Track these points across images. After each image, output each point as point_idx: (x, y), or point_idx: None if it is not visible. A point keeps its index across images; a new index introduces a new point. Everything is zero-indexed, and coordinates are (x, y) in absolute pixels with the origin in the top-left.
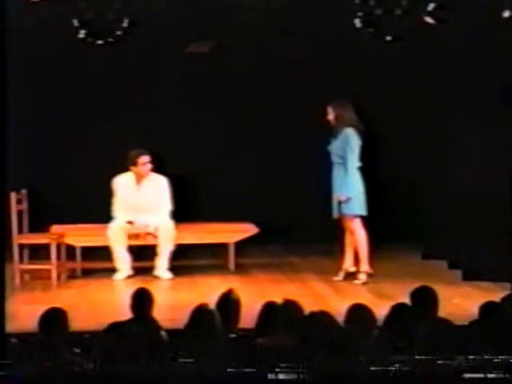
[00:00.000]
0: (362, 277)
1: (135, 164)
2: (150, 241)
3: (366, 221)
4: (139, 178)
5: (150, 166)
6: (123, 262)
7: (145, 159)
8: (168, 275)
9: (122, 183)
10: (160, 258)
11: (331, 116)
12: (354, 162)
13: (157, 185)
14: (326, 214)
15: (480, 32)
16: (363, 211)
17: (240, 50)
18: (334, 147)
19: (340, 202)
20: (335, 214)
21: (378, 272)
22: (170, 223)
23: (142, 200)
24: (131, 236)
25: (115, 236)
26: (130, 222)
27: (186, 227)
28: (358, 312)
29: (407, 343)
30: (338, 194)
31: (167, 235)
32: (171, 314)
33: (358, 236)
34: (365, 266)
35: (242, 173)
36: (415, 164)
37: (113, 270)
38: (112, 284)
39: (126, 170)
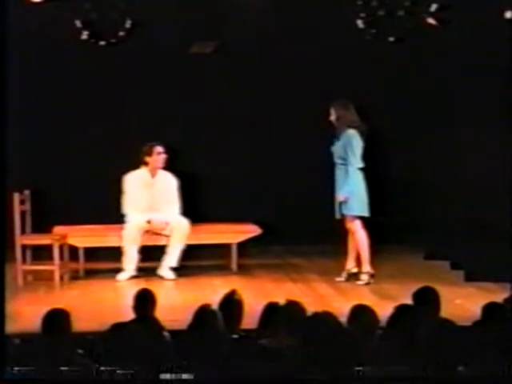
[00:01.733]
0: (365, 277)
1: (150, 154)
2: (161, 241)
3: (369, 222)
4: (153, 172)
5: (164, 156)
6: (131, 262)
7: (159, 149)
8: (171, 275)
9: (135, 179)
10: (169, 257)
11: (333, 117)
12: (355, 162)
13: (168, 180)
14: (328, 214)
15: (480, 32)
16: (364, 212)
17: (243, 51)
18: (336, 148)
19: (341, 203)
20: (337, 215)
21: (381, 273)
22: (185, 221)
23: (157, 196)
24: (145, 236)
25: (131, 236)
26: (148, 222)
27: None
28: (361, 313)
29: (409, 344)
30: (339, 194)
31: (182, 233)
32: (174, 314)
33: (358, 237)
34: (367, 267)
35: (244, 173)
36: (417, 165)
37: (116, 271)
38: (115, 285)
39: (129, 170)
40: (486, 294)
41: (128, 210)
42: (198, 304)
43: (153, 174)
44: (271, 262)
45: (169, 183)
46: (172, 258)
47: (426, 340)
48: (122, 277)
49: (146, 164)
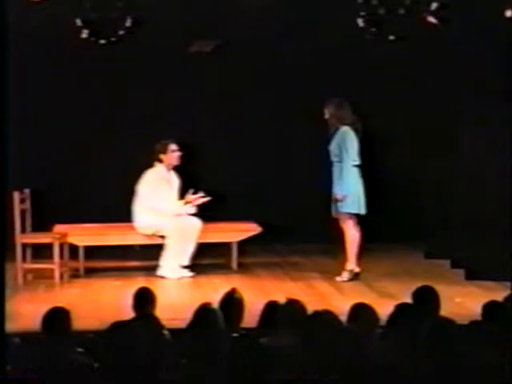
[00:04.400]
0: (346, 275)
1: (165, 152)
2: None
3: (369, 220)
4: (168, 169)
5: (179, 153)
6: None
7: (173, 147)
8: (187, 273)
9: (159, 175)
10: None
11: (327, 116)
12: (349, 160)
13: (177, 179)
14: (328, 213)
15: (481, 31)
16: (359, 210)
17: (241, 50)
18: (332, 147)
19: (336, 201)
20: (333, 213)
21: (381, 271)
22: (197, 220)
23: (173, 192)
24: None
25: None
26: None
27: None
28: (361, 311)
29: (410, 343)
30: (334, 192)
31: (194, 232)
32: (174, 313)
33: (349, 235)
34: (351, 265)
35: (244, 172)
36: (417, 163)
37: (116, 270)
38: (115, 283)
39: (128, 168)
40: (487, 292)
41: (170, 204)
42: (198, 303)
43: (168, 171)
44: (271, 260)
45: (177, 181)
46: (184, 257)
47: (426, 339)
48: (176, 275)
49: (161, 161)
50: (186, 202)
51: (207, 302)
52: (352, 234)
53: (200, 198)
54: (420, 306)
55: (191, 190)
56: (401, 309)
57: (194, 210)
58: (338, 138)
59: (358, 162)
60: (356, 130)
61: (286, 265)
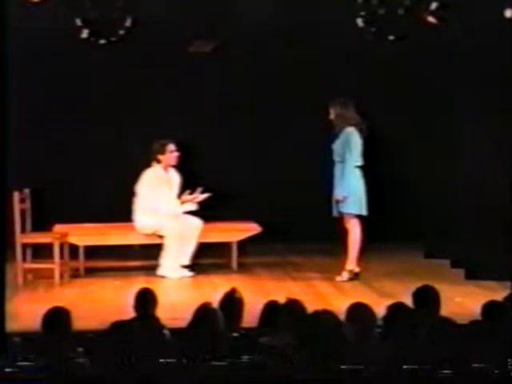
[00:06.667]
0: (346, 275)
1: (163, 152)
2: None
3: (369, 220)
4: (166, 169)
5: (177, 153)
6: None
7: (172, 147)
8: (187, 273)
9: (157, 176)
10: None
11: (332, 115)
12: (352, 160)
13: (176, 177)
14: (328, 212)
15: (481, 31)
16: (361, 211)
17: (241, 50)
18: (336, 146)
19: (338, 201)
20: (334, 213)
21: (381, 271)
22: (197, 220)
23: (172, 192)
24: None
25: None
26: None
27: None
28: (359, 311)
29: (409, 343)
30: (336, 193)
31: (195, 232)
32: (174, 313)
33: (352, 234)
34: (351, 265)
35: (244, 172)
36: (418, 163)
37: (116, 270)
38: (115, 283)
39: (129, 168)
40: (487, 292)
41: (170, 204)
42: (199, 302)
43: (166, 170)
44: (271, 260)
45: (177, 179)
46: (185, 257)
47: (425, 338)
48: (176, 274)
49: (159, 162)
50: (183, 202)
51: (207, 301)
52: (356, 233)
53: (198, 197)
54: (416, 307)
55: (188, 191)
56: (392, 310)
57: (194, 207)
58: (343, 138)
59: (360, 163)
60: (360, 131)
61: (286, 265)
